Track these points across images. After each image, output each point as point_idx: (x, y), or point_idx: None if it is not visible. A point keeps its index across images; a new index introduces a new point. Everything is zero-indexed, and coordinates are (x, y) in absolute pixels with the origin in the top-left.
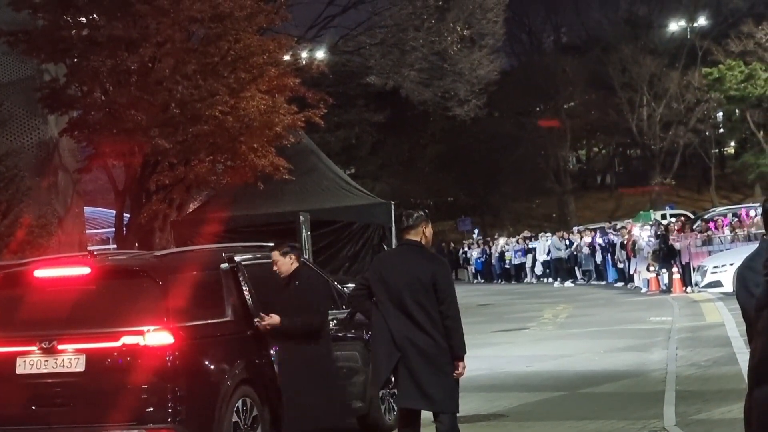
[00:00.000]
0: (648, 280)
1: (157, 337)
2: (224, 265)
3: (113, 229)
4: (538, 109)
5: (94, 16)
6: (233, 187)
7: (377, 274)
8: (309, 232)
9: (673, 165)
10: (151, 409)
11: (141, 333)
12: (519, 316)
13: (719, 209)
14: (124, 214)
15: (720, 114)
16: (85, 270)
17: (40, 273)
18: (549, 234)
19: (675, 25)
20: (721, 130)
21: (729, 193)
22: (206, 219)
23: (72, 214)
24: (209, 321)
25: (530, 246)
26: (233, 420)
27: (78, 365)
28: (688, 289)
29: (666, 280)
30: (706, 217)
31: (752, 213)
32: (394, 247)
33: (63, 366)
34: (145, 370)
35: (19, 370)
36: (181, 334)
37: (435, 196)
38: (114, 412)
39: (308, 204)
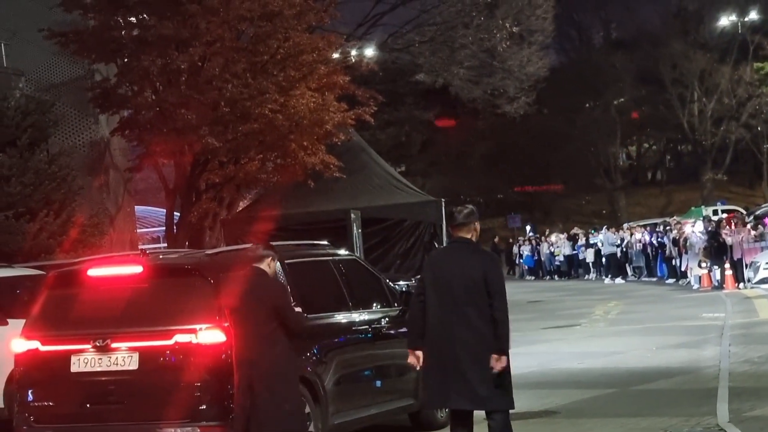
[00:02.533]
0: (700, 277)
1: (209, 335)
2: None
3: (164, 228)
4: (587, 105)
5: (144, 15)
6: (283, 185)
7: (430, 274)
8: (360, 230)
9: (724, 161)
10: (204, 407)
11: (193, 331)
12: (570, 312)
13: None
14: (175, 213)
15: None
16: (138, 269)
17: (93, 272)
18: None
19: (726, 20)
20: None
21: None
22: (256, 217)
23: (123, 212)
24: None
25: (590, 242)
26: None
27: (131, 363)
28: (741, 285)
29: (718, 277)
30: (758, 213)
31: None
32: (444, 244)
33: (117, 364)
34: (198, 368)
35: (73, 369)
36: (232, 332)
37: (484, 194)
38: (167, 410)
39: (359, 202)
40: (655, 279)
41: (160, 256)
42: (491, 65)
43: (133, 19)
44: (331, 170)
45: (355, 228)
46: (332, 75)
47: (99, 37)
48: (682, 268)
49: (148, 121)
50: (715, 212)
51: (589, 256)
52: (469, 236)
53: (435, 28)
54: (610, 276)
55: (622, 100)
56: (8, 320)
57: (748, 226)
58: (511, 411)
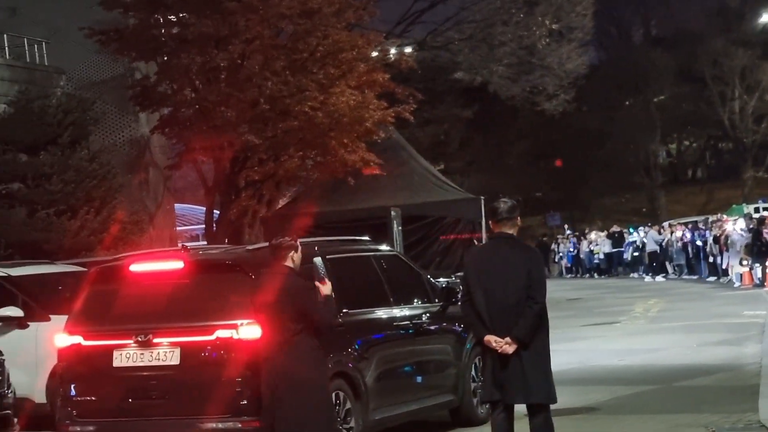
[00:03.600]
0: (741, 274)
1: (249, 330)
2: (317, 259)
3: (203, 226)
4: (627, 102)
5: (184, 14)
6: (323, 183)
7: (473, 271)
8: (400, 227)
9: (765, 158)
10: (245, 402)
11: (234, 327)
12: (610, 310)
13: None
14: (214, 211)
15: None
16: (179, 264)
17: (134, 268)
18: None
19: (767, 16)
20: None
21: None
22: (296, 215)
23: (163, 210)
24: None
25: (630, 240)
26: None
27: (173, 358)
28: None
29: (759, 274)
30: None
31: None
32: (485, 241)
33: (158, 359)
34: (238, 364)
35: (115, 363)
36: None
37: (523, 192)
38: (208, 405)
39: (399, 199)
40: (695, 277)
41: (201, 252)
42: (530, 62)
43: (172, 17)
44: (371, 168)
45: (395, 225)
46: (372, 72)
47: (139, 35)
48: (723, 266)
49: (188, 119)
50: (756, 210)
51: (629, 253)
52: (511, 231)
53: (474, 26)
54: (650, 274)
55: (662, 97)
56: (51, 316)
57: None
58: (552, 406)
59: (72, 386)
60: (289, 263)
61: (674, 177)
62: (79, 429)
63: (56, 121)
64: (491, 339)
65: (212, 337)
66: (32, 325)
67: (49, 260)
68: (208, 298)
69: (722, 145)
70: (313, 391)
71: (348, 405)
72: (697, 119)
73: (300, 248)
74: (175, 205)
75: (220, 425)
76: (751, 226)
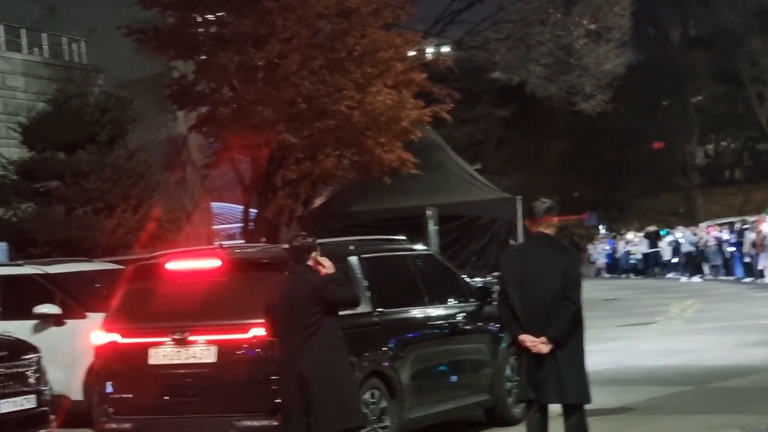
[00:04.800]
0: None
1: None
2: (352, 258)
3: (240, 224)
4: (664, 103)
5: (222, 13)
6: (359, 182)
7: (510, 271)
8: (436, 227)
9: None
10: (280, 401)
11: None
12: (646, 310)
13: None
14: (251, 210)
15: None
16: (216, 263)
17: (171, 266)
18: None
19: None
20: None
21: None
22: (332, 214)
23: (200, 208)
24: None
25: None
26: (362, 412)
27: (209, 356)
28: None
29: None
30: None
31: None
32: (521, 241)
33: (194, 357)
34: (274, 362)
35: (151, 361)
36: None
37: (560, 192)
38: (244, 403)
39: (435, 199)
40: (732, 278)
41: (238, 250)
42: (567, 63)
43: (210, 16)
44: (408, 167)
45: (431, 225)
46: (409, 72)
47: (177, 34)
48: (759, 267)
49: (226, 118)
50: None
51: (666, 254)
52: (548, 231)
53: (511, 26)
54: (687, 275)
55: (700, 98)
56: (87, 314)
57: None
58: (587, 406)
59: (109, 384)
60: (310, 263)
61: (711, 178)
62: (115, 426)
63: (94, 119)
64: (526, 338)
65: (248, 335)
66: (69, 322)
67: (86, 258)
68: (245, 296)
69: (760, 146)
70: (340, 373)
71: (383, 404)
72: (734, 120)
73: (319, 248)
74: (213, 203)
75: (255, 423)
76: None
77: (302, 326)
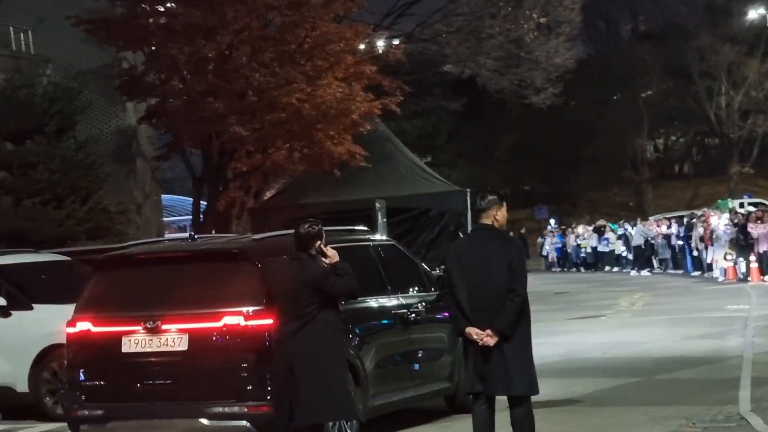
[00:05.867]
0: (725, 269)
1: (256, 317)
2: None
3: (191, 217)
4: (615, 97)
5: (172, 4)
6: (310, 175)
7: (455, 262)
8: (385, 219)
9: (751, 154)
10: (251, 387)
11: (241, 314)
12: (595, 303)
13: None
14: (202, 202)
15: None
16: (187, 253)
17: (143, 256)
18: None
19: (754, 13)
20: None
21: None
22: (283, 206)
23: (150, 201)
24: None
25: (619, 233)
26: (354, 407)
27: (181, 344)
28: (766, 277)
29: (743, 269)
30: None
31: None
32: (468, 233)
33: (167, 345)
34: (246, 350)
35: (124, 349)
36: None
37: (511, 185)
38: (215, 389)
39: (384, 191)
40: (681, 271)
41: (209, 241)
42: (518, 56)
43: (160, 7)
44: (357, 160)
45: (380, 217)
46: (359, 65)
47: (126, 24)
48: (708, 261)
49: (176, 110)
50: (741, 205)
51: (618, 247)
52: (490, 222)
53: (462, 19)
54: (636, 268)
55: (650, 92)
56: (34, 305)
57: None
58: (534, 398)
59: (80, 371)
60: (312, 252)
61: (661, 172)
62: (87, 413)
63: (42, 109)
64: (472, 331)
65: (220, 324)
66: (15, 314)
67: (33, 249)
68: (216, 285)
69: (709, 141)
70: (329, 369)
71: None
72: (684, 114)
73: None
74: (163, 196)
75: (226, 409)
76: (735, 221)
77: (297, 315)
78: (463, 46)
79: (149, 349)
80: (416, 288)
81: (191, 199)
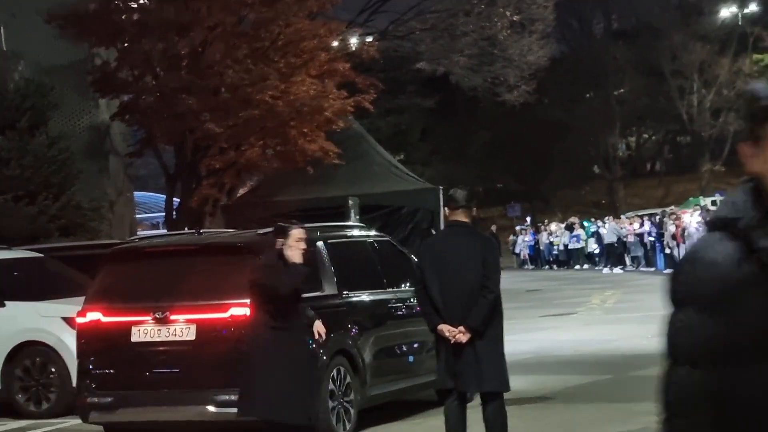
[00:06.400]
0: None
1: None
2: (320, 243)
3: (164, 214)
4: (588, 95)
5: (145, 0)
6: (283, 172)
7: (429, 258)
8: (358, 217)
9: (722, 152)
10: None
11: (247, 305)
12: (567, 301)
13: None
14: (175, 199)
15: None
16: (194, 247)
17: (152, 249)
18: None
19: (726, 12)
20: None
21: None
22: (256, 203)
23: (123, 197)
24: (309, 294)
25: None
26: (329, 387)
27: (189, 334)
28: None
29: None
30: None
31: None
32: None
33: (175, 335)
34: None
35: (134, 339)
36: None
37: (484, 182)
38: (221, 378)
39: (358, 189)
40: (653, 269)
41: (215, 236)
42: (492, 53)
43: (133, 3)
44: (330, 157)
45: (353, 214)
46: (333, 62)
47: (99, 20)
48: (680, 258)
49: (149, 106)
50: (713, 203)
51: (591, 245)
52: (466, 219)
53: (436, 16)
54: (609, 266)
55: (622, 90)
56: (5, 302)
57: None
58: (506, 394)
59: (91, 360)
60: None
61: (633, 170)
62: (97, 400)
63: (14, 105)
64: (444, 328)
65: (226, 315)
66: None
67: (5, 246)
68: (222, 278)
69: (680, 139)
70: (281, 373)
71: (348, 380)
72: (656, 113)
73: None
74: (136, 192)
75: (232, 397)
76: (707, 219)
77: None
78: (436, 43)
79: (158, 339)
80: (410, 283)
81: (164, 196)
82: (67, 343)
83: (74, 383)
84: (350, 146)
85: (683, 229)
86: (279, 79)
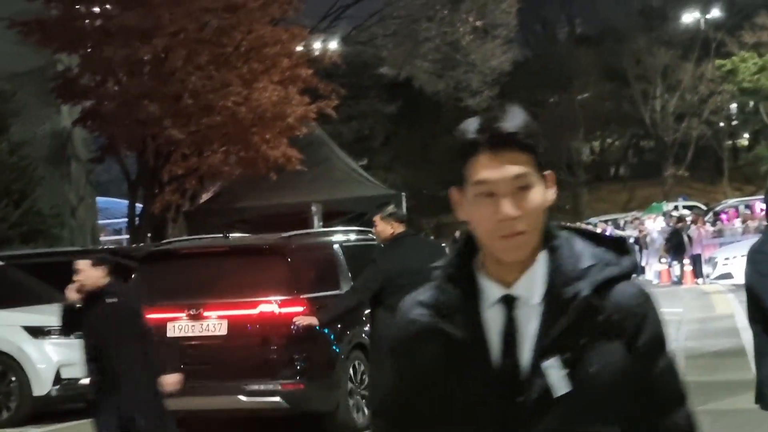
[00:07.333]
0: (659, 272)
1: (288, 305)
2: (336, 246)
3: (126, 220)
4: (551, 99)
5: (107, 6)
6: (246, 178)
7: (383, 267)
8: (321, 223)
9: (686, 157)
10: (284, 367)
11: (275, 302)
12: None
13: (731, 201)
14: (137, 205)
15: (733, 106)
16: (225, 248)
17: (186, 251)
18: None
19: (689, 17)
20: (735, 122)
21: (742, 185)
22: (219, 209)
23: (85, 204)
24: (329, 292)
25: None
26: (348, 379)
27: (221, 329)
28: (699, 280)
29: (677, 272)
30: (717, 209)
31: (763, 206)
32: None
33: (208, 330)
34: (279, 334)
35: (169, 334)
36: (307, 303)
37: (447, 188)
38: (251, 369)
39: (320, 194)
40: None
41: (243, 239)
42: (454, 59)
43: (96, 9)
44: (293, 163)
45: (316, 220)
46: (295, 68)
47: (61, 26)
48: (642, 264)
49: (111, 112)
50: (676, 208)
51: None
52: (412, 230)
53: (399, 21)
54: None
55: (586, 95)
56: None
57: (707, 222)
58: None
59: None
60: None
61: (597, 174)
62: None
63: None
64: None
65: (256, 311)
66: None
67: None
68: (252, 277)
69: (644, 144)
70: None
71: (363, 369)
72: (619, 117)
73: None
74: (98, 198)
75: (262, 387)
76: (670, 224)
77: None
78: (399, 48)
79: (192, 334)
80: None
81: (126, 202)
82: (28, 352)
83: (35, 392)
84: (313, 152)
85: (645, 234)
86: (241, 85)
